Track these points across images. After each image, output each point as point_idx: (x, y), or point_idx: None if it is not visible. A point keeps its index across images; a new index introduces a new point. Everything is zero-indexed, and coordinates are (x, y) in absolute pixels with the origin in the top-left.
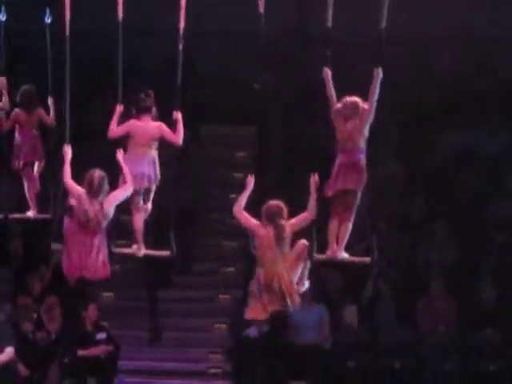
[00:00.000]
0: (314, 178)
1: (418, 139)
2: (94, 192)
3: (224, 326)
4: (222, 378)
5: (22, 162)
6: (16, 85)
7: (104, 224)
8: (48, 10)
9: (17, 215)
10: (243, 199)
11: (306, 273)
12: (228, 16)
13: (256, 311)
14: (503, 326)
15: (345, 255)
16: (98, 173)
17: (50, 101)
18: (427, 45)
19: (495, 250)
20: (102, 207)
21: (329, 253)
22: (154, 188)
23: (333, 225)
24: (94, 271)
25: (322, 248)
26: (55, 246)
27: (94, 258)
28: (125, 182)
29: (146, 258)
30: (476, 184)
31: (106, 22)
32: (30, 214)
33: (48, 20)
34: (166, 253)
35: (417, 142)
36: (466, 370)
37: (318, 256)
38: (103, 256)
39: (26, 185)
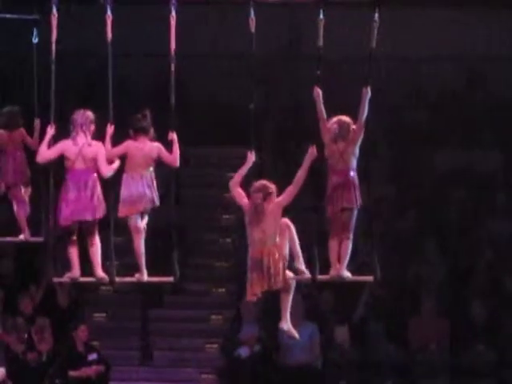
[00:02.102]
0: (312, 150)
1: (409, 158)
2: (77, 128)
3: (216, 346)
4: None
5: (5, 184)
6: (5, 106)
7: (93, 163)
8: (35, 30)
9: (9, 238)
10: (241, 174)
11: (299, 249)
12: (218, 37)
13: (247, 293)
14: (494, 343)
15: (347, 274)
16: (82, 110)
17: (36, 122)
18: (419, 64)
19: (485, 267)
20: (89, 144)
21: (332, 273)
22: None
23: (333, 244)
24: (90, 211)
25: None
26: (56, 279)
27: (88, 198)
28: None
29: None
30: (467, 203)
31: (99, 42)
32: (22, 237)
33: (35, 40)
34: (169, 278)
35: (408, 162)
36: None
37: (321, 277)
38: (97, 196)
39: (15, 207)
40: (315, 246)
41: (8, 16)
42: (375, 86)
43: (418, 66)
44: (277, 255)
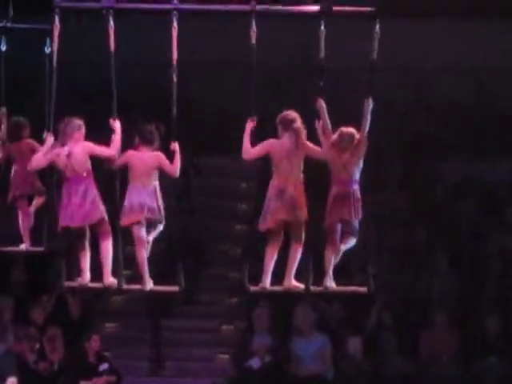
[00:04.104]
0: (320, 124)
1: (419, 170)
2: (63, 138)
3: (227, 356)
4: None
5: (13, 195)
6: (17, 115)
7: (82, 170)
8: (48, 40)
9: (9, 248)
10: (246, 144)
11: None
12: (228, 46)
13: (265, 221)
14: (507, 355)
15: (333, 284)
16: (67, 119)
17: (45, 135)
18: (429, 75)
19: (496, 279)
20: (70, 153)
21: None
22: (159, 223)
23: (330, 255)
24: (86, 218)
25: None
26: (69, 283)
27: (80, 204)
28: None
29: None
30: (477, 214)
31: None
32: (23, 246)
33: (48, 50)
34: (174, 288)
35: (418, 173)
36: None
37: (314, 288)
38: (90, 201)
39: (20, 217)
40: (310, 257)
41: (21, 26)
42: (384, 97)
43: (427, 77)
44: (302, 189)
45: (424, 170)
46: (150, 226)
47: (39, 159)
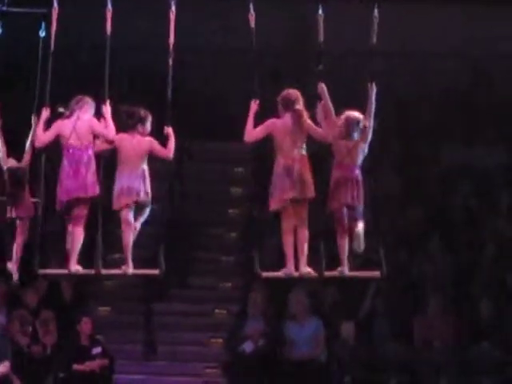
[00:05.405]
0: (321, 104)
1: (415, 154)
2: (71, 110)
3: (220, 340)
4: None
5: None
6: (11, 100)
7: (85, 140)
8: (43, 24)
9: None
10: (250, 126)
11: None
12: (222, 32)
13: (274, 200)
14: (499, 340)
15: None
16: (79, 96)
17: (33, 120)
18: (424, 61)
19: (490, 264)
20: (76, 122)
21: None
22: (146, 207)
23: (343, 241)
24: (83, 188)
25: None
26: (42, 271)
27: (83, 175)
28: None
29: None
30: (471, 199)
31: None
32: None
33: (42, 34)
34: (154, 271)
35: (414, 157)
36: None
37: (328, 273)
38: (92, 172)
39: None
40: (322, 243)
41: (16, 10)
42: (380, 81)
43: (423, 63)
44: (308, 166)
45: (420, 155)
46: (137, 210)
47: (43, 136)
